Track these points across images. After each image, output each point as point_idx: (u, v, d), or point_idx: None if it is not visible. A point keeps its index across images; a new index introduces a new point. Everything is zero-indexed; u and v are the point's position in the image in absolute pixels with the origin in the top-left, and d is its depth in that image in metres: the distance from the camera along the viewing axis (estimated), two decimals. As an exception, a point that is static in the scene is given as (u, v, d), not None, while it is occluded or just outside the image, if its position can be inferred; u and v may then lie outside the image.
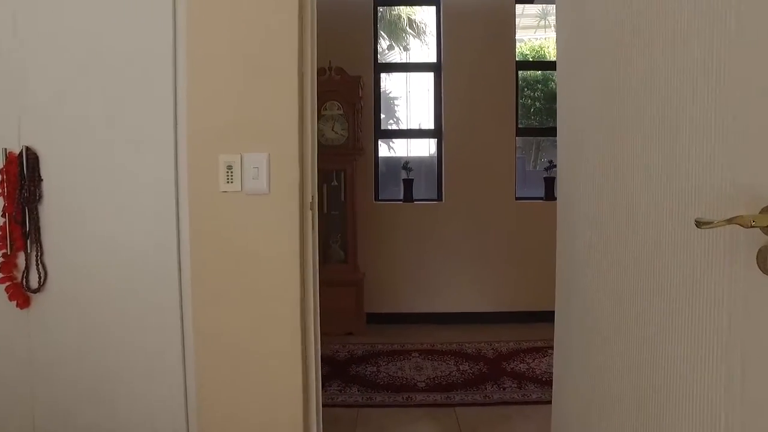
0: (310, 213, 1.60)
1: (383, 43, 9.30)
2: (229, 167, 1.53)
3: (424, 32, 7.12)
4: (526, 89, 7.03)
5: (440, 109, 4.27)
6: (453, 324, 4.18)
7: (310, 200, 1.60)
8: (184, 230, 1.58)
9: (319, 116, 3.95)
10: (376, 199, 4.34)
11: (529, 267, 4.22)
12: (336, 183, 4.04)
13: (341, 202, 4.02)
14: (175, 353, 1.60)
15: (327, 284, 4.13)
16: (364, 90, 4.18)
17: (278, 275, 1.56)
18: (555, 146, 5.33)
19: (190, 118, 1.56)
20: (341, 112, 3.95)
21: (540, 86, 7.30)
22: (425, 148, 4.81)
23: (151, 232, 1.60)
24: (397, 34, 9.13)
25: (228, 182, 1.54)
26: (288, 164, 1.53)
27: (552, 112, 6.36)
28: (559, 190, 1.89)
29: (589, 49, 1.48)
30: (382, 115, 4.86)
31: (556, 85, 5.76)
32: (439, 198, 4.31)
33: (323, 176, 4.02)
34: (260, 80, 1.53)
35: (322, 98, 3.91)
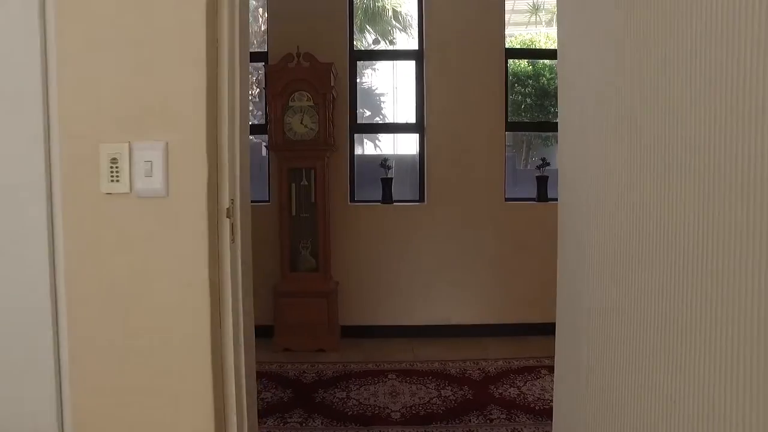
0: (227, 222, 1.19)
1: (369, 37, 8.91)
2: (114, 161, 1.12)
3: (410, 25, 6.74)
4: (516, 85, 6.66)
5: (422, 100, 3.88)
6: (436, 337, 3.79)
7: (228, 205, 1.19)
8: (59, 250, 1.17)
9: (287, 108, 3.55)
10: (352, 200, 3.94)
11: (520, 275, 3.85)
12: (306, 182, 3.64)
13: (311, 204, 3.62)
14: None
15: (296, 295, 3.78)
16: (338, 79, 3.77)
17: (179, 319, 1.15)
18: (546, 144, 4.88)
19: (62, 97, 1.14)
20: (311, 103, 3.54)
21: (531, 81, 6.94)
22: (412, 146, 4.41)
23: (13, 258, 1.18)
24: (382, 27, 8.74)
25: (113, 181, 1.13)
26: (194, 157, 1.12)
27: (543, 109, 5.99)
28: (564, 190, 1.49)
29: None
30: (367, 112, 4.49)
31: (547, 79, 5.34)
32: (421, 199, 3.91)
33: (291, 175, 3.62)
34: (156, 47, 1.13)
35: (290, 88, 3.51)
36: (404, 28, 8.09)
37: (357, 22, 6.64)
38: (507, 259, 3.83)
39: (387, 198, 3.84)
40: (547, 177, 3.90)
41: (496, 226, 3.81)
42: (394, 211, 3.82)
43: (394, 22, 8.67)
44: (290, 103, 3.56)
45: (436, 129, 3.79)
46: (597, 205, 1.15)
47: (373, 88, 6.47)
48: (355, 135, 4.12)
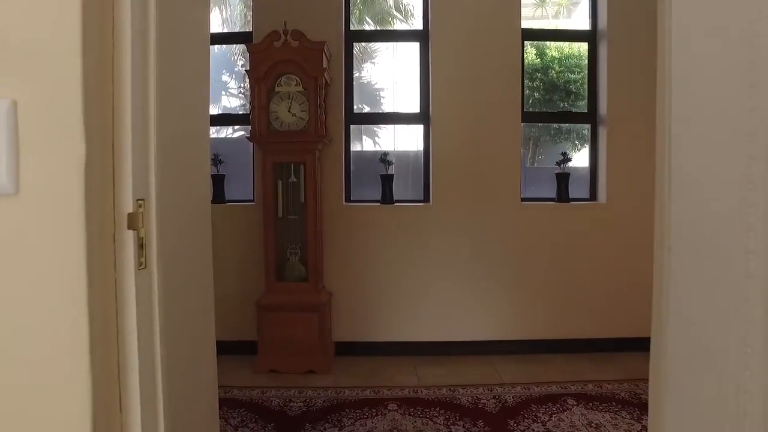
0: (131, 237, 0.73)
1: (369, 29, 8.44)
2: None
3: (412, 15, 6.29)
4: (524, 78, 6.22)
5: (427, 88, 3.42)
6: (444, 356, 3.34)
7: (132, 209, 0.73)
8: None
9: (272, 94, 3.09)
10: (348, 200, 3.48)
11: (539, 285, 3.39)
12: (294, 179, 3.18)
13: (301, 204, 3.16)
14: None
15: (282, 309, 3.14)
16: (332, 62, 3.31)
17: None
18: (555, 141, 4.34)
19: None
20: (300, 88, 3.09)
21: (539, 75, 6.50)
22: (415, 141, 3.95)
23: None
24: (383, 18, 8.29)
25: None
26: (62, 125, 0.66)
27: (552, 104, 5.52)
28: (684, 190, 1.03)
29: None
30: (366, 108, 4.03)
31: (556, 73, 4.83)
32: (426, 199, 3.46)
33: (278, 171, 3.16)
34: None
35: (276, 70, 3.05)
36: (405, 18, 7.64)
37: (355, 12, 6.15)
38: (523, 268, 3.38)
39: (387, 198, 3.38)
40: (569, 174, 3.44)
41: (511, 229, 3.36)
42: (395, 213, 3.36)
43: (395, 12, 8.23)
44: (276, 89, 3.10)
45: (442, 120, 3.33)
46: None
47: (373, 83, 6.00)
48: (352, 127, 3.67)
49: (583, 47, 3.76)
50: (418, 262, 3.34)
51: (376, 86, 5.95)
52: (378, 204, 3.38)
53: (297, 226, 3.19)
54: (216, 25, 4.05)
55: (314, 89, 3.03)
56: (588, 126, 3.56)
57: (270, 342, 3.08)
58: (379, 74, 5.58)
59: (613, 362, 3.25)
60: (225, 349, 3.47)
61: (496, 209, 3.34)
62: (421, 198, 3.48)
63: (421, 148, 3.53)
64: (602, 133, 3.45)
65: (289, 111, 3.10)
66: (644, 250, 3.67)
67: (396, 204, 3.38)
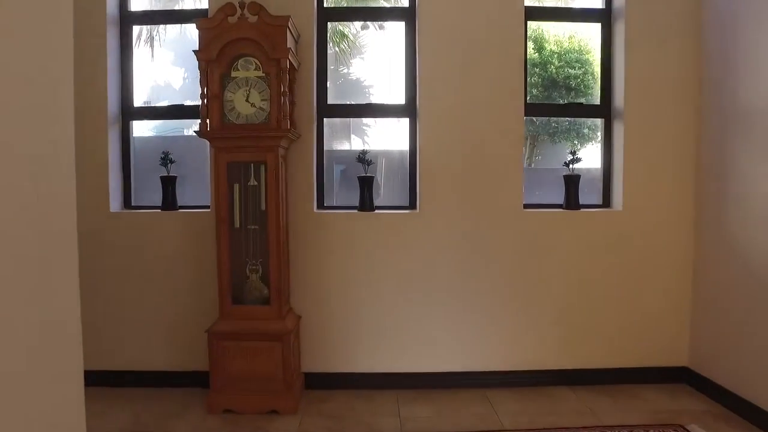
0: None
1: (346, 6, 7.95)
2: None
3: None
4: (527, 65, 5.81)
5: (414, 75, 2.91)
6: (431, 389, 2.84)
7: None
8: None
9: (227, 80, 2.58)
10: (321, 206, 2.97)
11: (545, 306, 2.89)
12: (255, 182, 2.67)
13: (262, 212, 2.65)
14: None
15: (240, 337, 2.48)
16: (302, 43, 2.81)
17: None
18: (554, 141, 3.78)
19: None
20: (260, 73, 2.57)
21: (537, 70, 6.06)
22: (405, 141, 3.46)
23: None
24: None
25: None
26: None
27: (551, 101, 5.06)
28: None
29: None
30: (349, 101, 3.54)
31: (555, 68, 4.32)
32: (412, 205, 2.95)
33: (235, 172, 2.66)
34: None
35: (231, 51, 2.54)
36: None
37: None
38: (526, 286, 2.88)
39: (366, 203, 2.87)
40: (579, 177, 2.94)
41: (512, 241, 2.86)
42: (376, 222, 2.85)
43: (383, 1, 7.72)
44: (232, 74, 2.59)
45: (431, 112, 2.83)
46: None
47: (362, 80, 5.50)
48: (336, 123, 3.20)
49: (585, 41, 3.29)
50: (402, 280, 2.84)
51: (365, 83, 5.44)
52: (355, 211, 2.87)
53: (258, 238, 2.68)
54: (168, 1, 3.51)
55: (277, 74, 2.52)
56: (600, 120, 3.06)
57: (225, 377, 2.56)
58: (369, 70, 5.09)
59: (635, 398, 2.76)
60: (175, 380, 3.01)
61: (495, 217, 2.84)
62: (407, 204, 2.97)
63: (410, 146, 3.02)
64: (618, 129, 2.95)
65: (247, 100, 2.58)
66: (668, 264, 2.98)
67: (377, 211, 2.88)
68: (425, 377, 2.86)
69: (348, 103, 3.39)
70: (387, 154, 3.23)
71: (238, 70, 2.59)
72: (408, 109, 2.94)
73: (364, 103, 3.13)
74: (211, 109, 2.54)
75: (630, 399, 2.75)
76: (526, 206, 2.92)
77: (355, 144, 5.51)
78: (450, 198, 2.83)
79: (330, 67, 3.08)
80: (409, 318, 2.85)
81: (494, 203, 2.84)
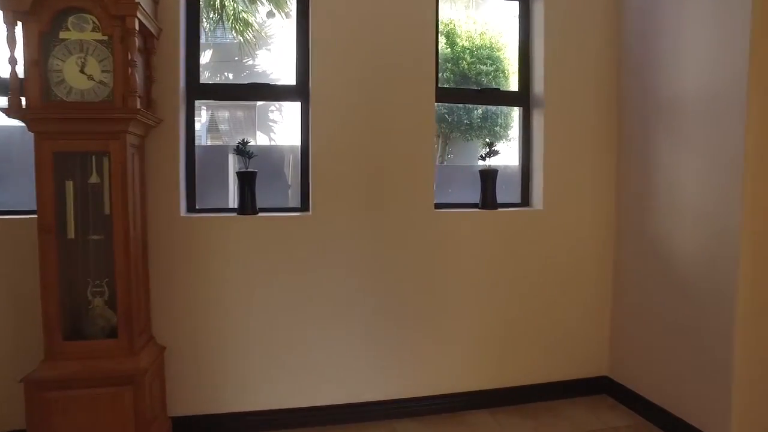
0: None
1: (261, 10, 7.32)
2: None
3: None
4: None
5: (306, 50, 2.43)
6: (333, 425, 2.39)
7: None
8: None
9: (53, 43, 1.94)
10: (191, 209, 2.40)
11: (460, 322, 2.54)
12: (98, 180, 2.05)
13: (105, 217, 2.04)
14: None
15: (74, 384, 1.76)
16: (164, 5, 2.22)
17: None
18: (466, 138, 3.38)
19: None
20: (100, 35, 1.96)
21: (450, 65, 5.88)
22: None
23: None
24: (276, -8, 7.17)
25: None
26: None
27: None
28: None
29: None
30: (228, 74, 2.94)
31: (468, 64, 3.95)
32: (304, 207, 2.47)
33: (66, 165, 2.03)
34: None
35: (56, 2, 1.90)
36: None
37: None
38: (438, 298, 2.51)
39: (247, 205, 2.34)
40: (496, 172, 2.62)
41: (421, 246, 2.47)
42: (259, 227, 2.33)
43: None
44: (60, 34, 1.95)
45: (325, 95, 2.36)
46: None
47: (268, 72, 4.93)
48: (241, 117, 2.72)
49: (496, 37, 3.01)
50: (293, 297, 2.35)
51: (272, 76, 4.86)
52: (233, 215, 2.34)
53: (102, 252, 2.06)
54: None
55: (121, 37, 1.92)
56: (519, 110, 2.76)
57: (54, 439, 1.92)
58: (276, 62, 4.51)
59: (558, 417, 2.49)
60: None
61: (402, 219, 2.44)
62: (299, 206, 2.48)
63: (301, 136, 2.51)
64: (537, 119, 2.66)
65: (82, 71, 1.96)
66: (590, 268, 2.56)
67: (261, 215, 2.36)
68: (325, 411, 2.40)
69: (225, 82, 2.82)
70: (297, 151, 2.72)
71: (69, 30, 1.95)
72: (299, 92, 2.45)
73: (245, 83, 2.56)
74: (31, 81, 1.89)
75: (553, 419, 2.48)
76: (438, 206, 2.55)
77: (261, 140, 4.90)
78: (349, 198, 2.38)
79: (235, 58, 2.50)
80: (304, 342, 2.37)
81: (402, 203, 2.43)
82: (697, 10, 2.22)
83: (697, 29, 2.21)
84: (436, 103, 2.54)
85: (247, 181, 2.33)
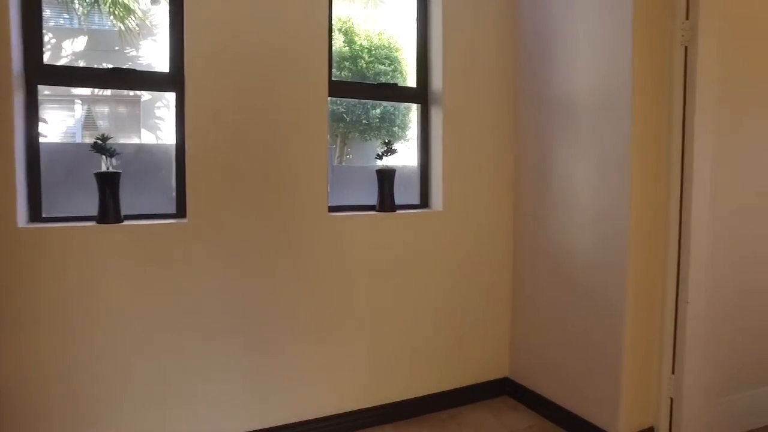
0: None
1: None
2: None
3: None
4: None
5: (180, 33, 2.12)
6: (218, 459, 2.11)
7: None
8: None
9: None
10: (35, 218, 1.99)
11: (358, 334, 2.38)
12: None
13: None
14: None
15: None
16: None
17: None
18: (364, 138, 3.20)
19: None
20: None
21: (348, 64, 5.75)
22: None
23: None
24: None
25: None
26: None
27: (362, 102, 4.68)
28: None
29: None
30: (107, 65, 2.51)
31: (366, 63, 3.80)
32: (180, 213, 2.16)
33: None
34: None
35: None
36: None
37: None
38: (333, 309, 2.33)
39: (108, 212, 1.99)
40: (394, 171, 2.49)
41: (313, 253, 2.27)
42: (123, 237, 1.99)
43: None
44: None
45: (203, 86, 2.07)
46: None
47: (153, 65, 4.42)
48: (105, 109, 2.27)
49: (395, 38, 2.91)
50: (165, 317, 2.04)
51: (158, 69, 4.36)
52: (91, 224, 1.97)
53: None
54: None
55: None
56: (417, 106, 2.66)
57: None
58: (161, 54, 4.03)
59: (461, 425, 2.41)
60: None
61: (293, 225, 2.22)
62: (173, 211, 2.17)
63: (176, 130, 2.19)
64: (436, 117, 2.57)
65: None
66: (491, 269, 2.46)
67: (126, 223, 2.02)
68: (208, 444, 2.11)
69: (78, 65, 2.41)
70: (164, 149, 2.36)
71: None
72: (173, 81, 2.14)
73: (103, 67, 2.19)
74: None
75: (457, 426, 2.39)
76: (332, 209, 2.36)
77: (148, 138, 4.38)
78: (231, 202, 2.11)
79: (115, 48, 2.12)
80: (176, 370, 2.06)
81: (292, 207, 2.21)
82: (584, 14, 2.24)
83: (586, 34, 2.24)
84: (330, 98, 2.36)
85: (108, 183, 1.98)
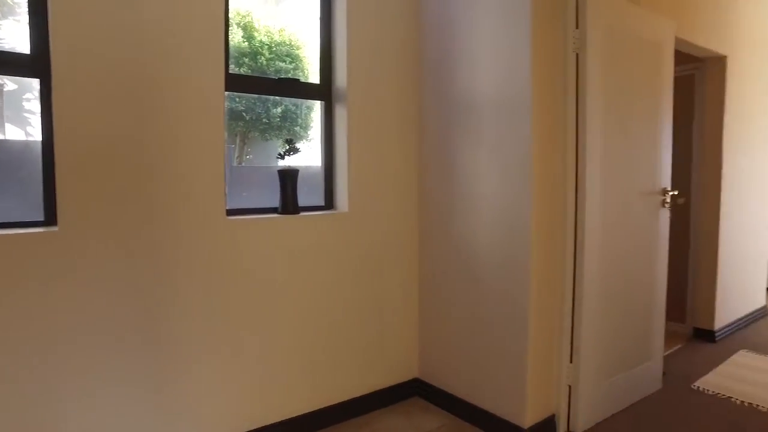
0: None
1: None
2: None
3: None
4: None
5: (44, 8, 1.82)
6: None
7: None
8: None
9: None
10: None
11: (266, 344, 2.22)
12: None
13: None
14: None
15: None
16: None
17: None
18: (265, 137, 2.99)
19: None
20: None
21: (247, 60, 5.52)
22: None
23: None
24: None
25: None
26: None
27: (262, 99, 4.53)
28: None
29: None
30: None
31: (266, 60, 3.60)
32: (50, 221, 1.86)
33: None
34: None
35: None
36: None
37: None
38: (236, 320, 2.15)
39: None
40: (297, 172, 2.37)
41: (213, 260, 2.08)
42: (-25, 251, 1.66)
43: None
44: None
45: (75, 72, 1.80)
46: None
47: (18, 49, 3.81)
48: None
49: (296, 35, 2.78)
50: (31, 346, 1.74)
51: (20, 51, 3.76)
52: (-72, 236, 1.62)
53: None
54: None
55: None
56: (320, 104, 2.55)
57: None
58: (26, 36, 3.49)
59: (374, 429, 2.36)
60: None
61: (186, 231, 2.01)
62: (41, 219, 1.86)
63: (42, 123, 1.88)
64: (340, 115, 2.49)
65: None
66: (399, 271, 2.42)
67: (-19, 233, 1.69)
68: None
69: None
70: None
71: None
72: (36, 66, 1.83)
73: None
74: None
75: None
76: (230, 212, 2.19)
77: (12, 133, 3.80)
78: (111, 207, 1.86)
79: None
80: (54, 398, 1.77)
81: (184, 211, 2.00)
82: (486, 16, 2.28)
83: (487, 32, 2.28)
84: (228, 94, 2.18)
85: (-51, 186, 1.64)
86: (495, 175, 2.28)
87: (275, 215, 2.30)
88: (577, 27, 2.23)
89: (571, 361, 2.33)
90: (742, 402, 2.65)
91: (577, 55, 2.23)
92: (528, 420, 2.21)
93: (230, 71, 2.24)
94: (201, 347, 2.05)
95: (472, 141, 2.38)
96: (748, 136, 3.85)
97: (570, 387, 2.34)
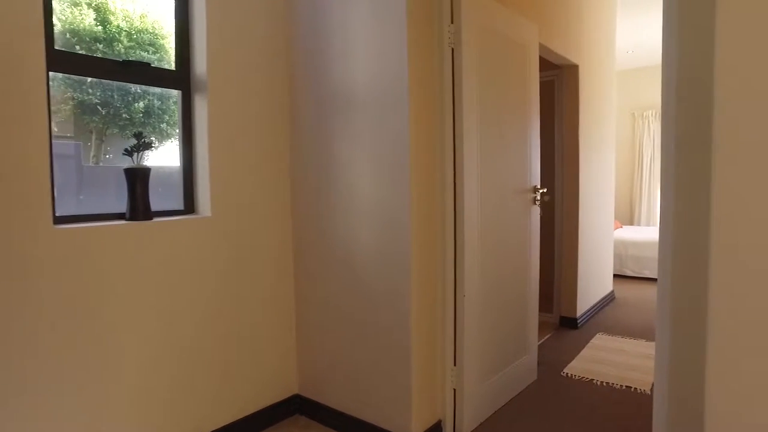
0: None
1: None
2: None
3: None
4: (78, 47, 4.57)
5: None
6: None
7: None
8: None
9: None
10: None
11: (119, 373, 1.85)
12: None
13: None
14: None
15: None
16: None
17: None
18: (124, 135, 2.60)
19: None
20: None
21: (101, 47, 4.87)
22: None
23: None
24: None
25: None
26: None
27: (122, 88, 4.03)
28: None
29: None
30: None
31: (125, 48, 3.13)
32: None
33: None
34: None
35: None
36: None
37: None
38: (80, 349, 1.76)
39: None
40: (148, 171, 2.02)
41: (39, 281, 1.67)
42: None
43: None
44: None
45: None
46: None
47: None
48: None
49: (159, 23, 2.43)
50: None
51: None
52: None
53: None
54: None
55: None
56: (178, 93, 2.22)
57: None
58: None
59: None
60: None
61: (4, 243, 1.59)
62: None
63: None
64: (201, 106, 2.18)
65: None
66: (272, 281, 2.14)
67: None
68: None
69: None
70: None
71: None
72: None
73: None
74: None
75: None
76: (61, 219, 1.79)
77: None
78: None
79: None
80: None
81: (-5, 220, 1.58)
82: (360, 5, 2.15)
83: (362, 24, 2.15)
84: (53, 73, 1.78)
85: None
86: (373, 171, 2.15)
87: (122, 222, 1.93)
88: (452, 22, 2.18)
89: (455, 364, 2.28)
90: (602, 383, 2.85)
91: (452, 49, 2.19)
92: (414, 429, 2.11)
93: (59, 47, 1.84)
94: (38, 380, 1.63)
95: (349, 135, 2.23)
96: (597, 137, 4.22)
97: (455, 390, 2.29)
